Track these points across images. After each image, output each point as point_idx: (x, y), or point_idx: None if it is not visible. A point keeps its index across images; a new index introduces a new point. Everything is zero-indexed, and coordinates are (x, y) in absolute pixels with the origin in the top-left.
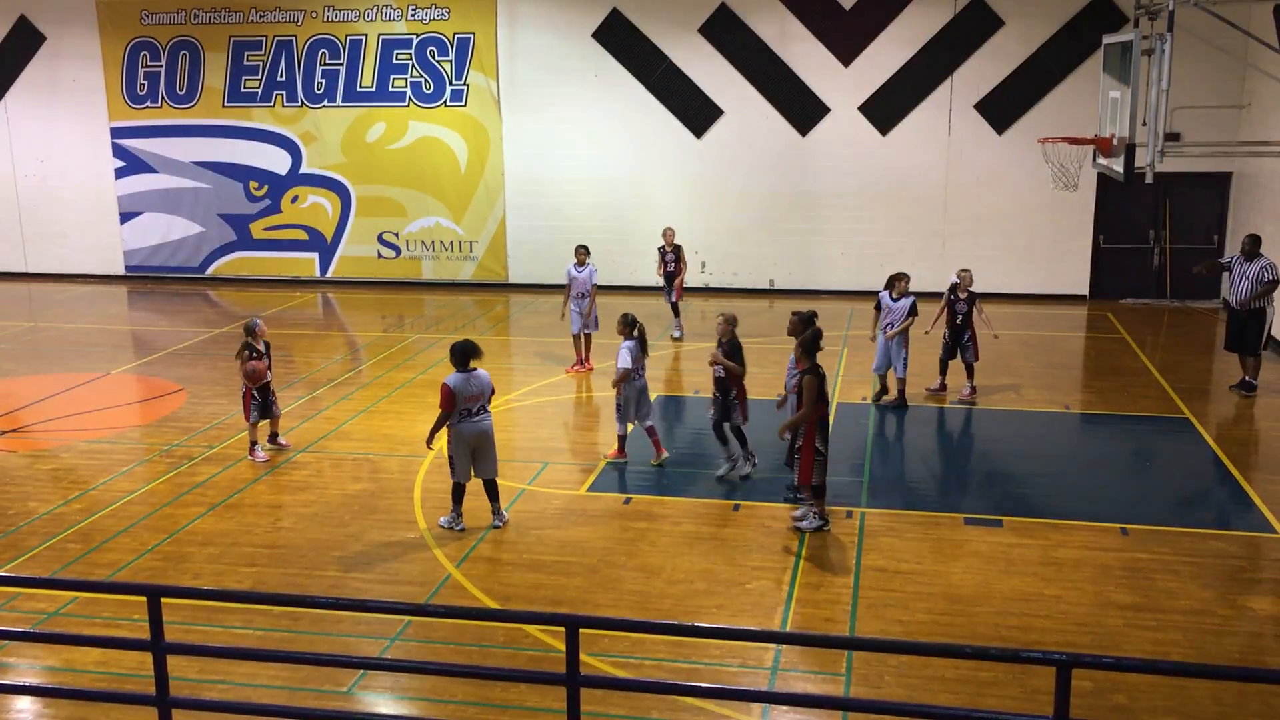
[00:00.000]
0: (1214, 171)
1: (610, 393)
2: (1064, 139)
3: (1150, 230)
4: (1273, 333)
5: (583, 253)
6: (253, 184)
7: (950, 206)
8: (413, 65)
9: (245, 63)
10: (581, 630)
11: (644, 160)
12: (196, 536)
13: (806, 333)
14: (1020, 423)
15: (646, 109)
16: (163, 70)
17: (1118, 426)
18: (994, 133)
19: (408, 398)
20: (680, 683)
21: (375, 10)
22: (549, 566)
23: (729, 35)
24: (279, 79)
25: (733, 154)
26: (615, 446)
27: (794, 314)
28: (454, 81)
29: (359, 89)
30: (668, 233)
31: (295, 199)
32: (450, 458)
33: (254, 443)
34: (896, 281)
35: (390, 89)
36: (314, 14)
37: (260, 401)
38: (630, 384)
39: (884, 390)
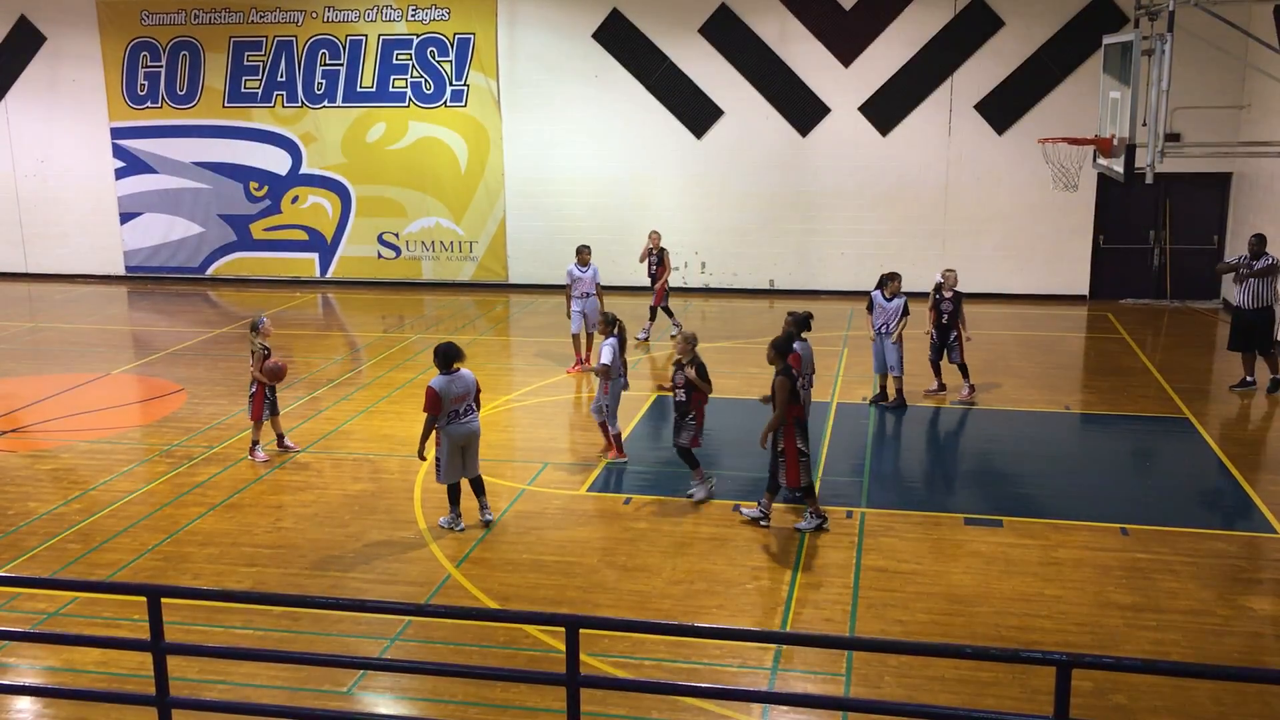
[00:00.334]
0: (1214, 172)
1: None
2: (1064, 139)
3: (1150, 231)
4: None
5: (585, 253)
6: (253, 184)
7: (950, 207)
8: (413, 65)
9: (245, 63)
10: (581, 630)
11: (644, 160)
12: (196, 536)
13: (779, 335)
14: (1020, 423)
15: (646, 109)
16: (163, 70)
17: (1118, 427)
18: (994, 133)
19: (408, 398)
20: (680, 683)
21: (375, 10)
22: (549, 566)
23: (729, 35)
24: (279, 79)
25: (733, 154)
26: (614, 447)
27: (789, 314)
28: (454, 82)
29: (359, 89)
30: (653, 235)
31: (295, 199)
32: (437, 460)
33: (255, 443)
34: (890, 281)
35: (390, 89)
36: (314, 14)
37: (271, 400)
38: (614, 382)
39: (882, 394)
